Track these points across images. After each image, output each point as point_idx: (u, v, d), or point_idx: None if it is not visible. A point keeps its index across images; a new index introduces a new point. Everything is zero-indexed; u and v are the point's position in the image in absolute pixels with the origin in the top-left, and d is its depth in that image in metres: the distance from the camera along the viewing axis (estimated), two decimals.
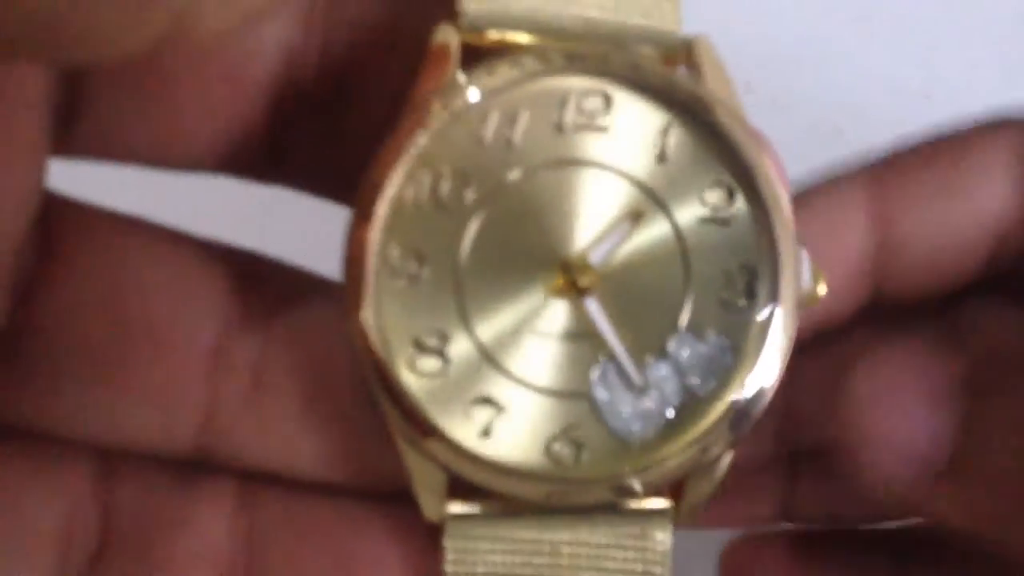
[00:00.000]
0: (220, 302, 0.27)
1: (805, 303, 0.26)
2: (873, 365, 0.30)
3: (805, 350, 0.30)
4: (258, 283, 0.28)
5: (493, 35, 0.26)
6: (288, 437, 0.27)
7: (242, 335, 0.27)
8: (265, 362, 0.27)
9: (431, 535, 0.26)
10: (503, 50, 0.26)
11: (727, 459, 0.26)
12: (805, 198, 0.30)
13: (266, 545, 0.27)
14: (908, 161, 0.31)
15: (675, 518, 0.27)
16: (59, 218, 0.26)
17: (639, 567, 0.26)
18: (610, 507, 0.26)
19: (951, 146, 0.31)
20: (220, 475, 0.28)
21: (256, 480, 0.28)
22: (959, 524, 0.30)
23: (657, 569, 0.26)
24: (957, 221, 0.30)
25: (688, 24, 0.27)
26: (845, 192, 0.31)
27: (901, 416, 0.30)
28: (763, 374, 0.26)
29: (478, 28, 0.26)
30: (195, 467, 0.28)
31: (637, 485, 0.26)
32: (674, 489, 0.27)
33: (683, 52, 0.27)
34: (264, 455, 0.28)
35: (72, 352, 0.26)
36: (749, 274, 0.26)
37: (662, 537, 0.26)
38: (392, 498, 0.27)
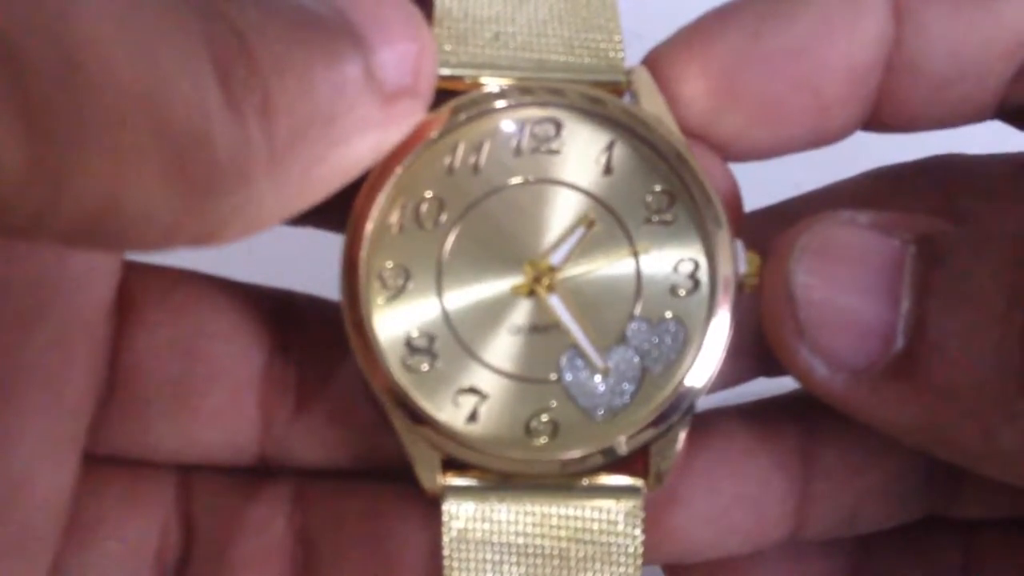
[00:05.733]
0: (264, 335, 0.30)
1: (744, 287, 0.29)
2: (812, 247, 0.27)
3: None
4: (293, 317, 0.31)
5: (461, 79, 0.29)
6: (327, 440, 0.30)
7: (284, 361, 0.30)
8: (303, 381, 0.30)
9: (436, 506, 0.28)
10: (470, 90, 0.29)
11: (684, 430, 0.29)
12: None
13: (316, 538, 0.30)
14: None
15: (644, 488, 0.29)
16: (130, 278, 0.30)
17: (618, 530, 0.28)
18: (590, 484, 0.29)
19: None
20: (278, 480, 0.31)
21: (306, 479, 0.31)
22: (910, 431, 0.27)
23: (634, 531, 0.28)
24: (982, 34, 0.28)
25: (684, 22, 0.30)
26: None
27: (841, 303, 0.27)
28: (710, 351, 0.28)
29: (447, 75, 0.29)
30: (257, 474, 0.31)
31: (612, 452, 0.28)
32: (641, 467, 0.29)
33: (626, 82, 0.29)
34: (310, 455, 0.31)
35: (154, 388, 0.29)
36: (692, 265, 0.29)
37: (635, 505, 0.29)
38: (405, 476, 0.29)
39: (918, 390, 0.26)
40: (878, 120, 0.30)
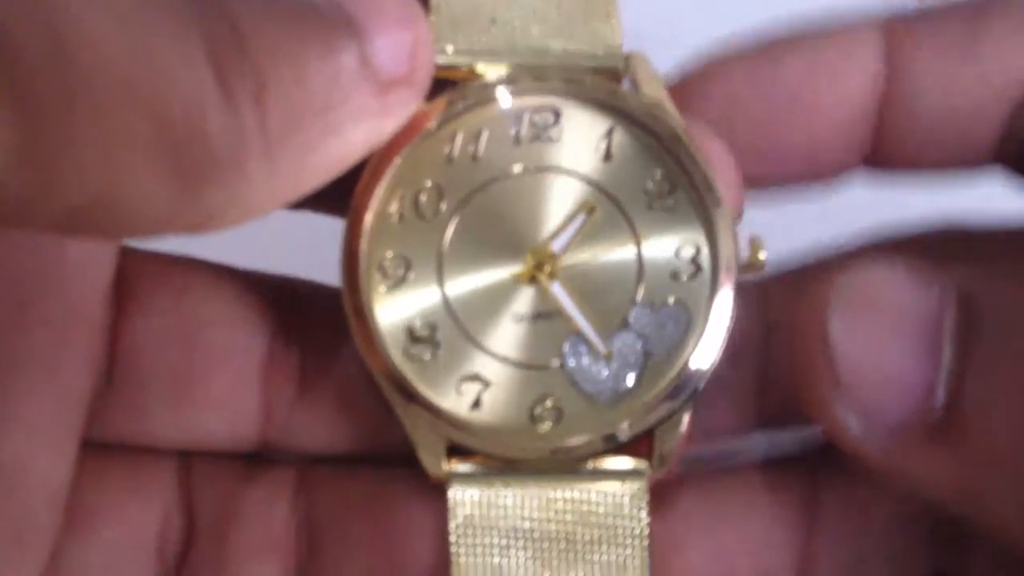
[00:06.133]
0: (265, 321, 0.30)
1: (747, 270, 0.29)
2: (850, 297, 0.26)
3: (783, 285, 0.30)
4: (294, 302, 0.31)
5: (458, 67, 0.29)
6: (330, 426, 0.30)
7: (286, 347, 0.30)
8: (306, 367, 0.30)
9: (441, 492, 0.28)
10: (467, 79, 0.29)
11: (687, 414, 0.28)
12: (819, 34, 0.30)
13: (321, 524, 0.30)
14: (930, 14, 0.29)
15: (648, 472, 0.29)
16: (128, 264, 0.30)
17: (624, 512, 0.28)
18: (594, 468, 0.29)
19: (983, 7, 0.29)
20: (281, 467, 0.31)
21: (309, 466, 0.31)
22: (946, 495, 0.26)
23: (640, 513, 0.28)
24: (970, 77, 0.29)
25: (690, 25, 0.30)
26: (859, 33, 0.30)
27: (880, 355, 0.26)
28: (712, 335, 0.28)
29: (444, 64, 0.28)
30: (258, 461, 0.31)
31: (627, 432, 0.28)
32: (645, 449, 0.29)
33: (624, 67, 0.29)
34: (313, 442, 0.31)
35: (153, 375, 0.29)
36: (694, 250, 0.29)
37: (640, 487, 0.29)
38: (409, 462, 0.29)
39: (957, 451, 0.25)
40: (875, 162, 0.31)
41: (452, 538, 0.28)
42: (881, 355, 0.26)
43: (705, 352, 0.28)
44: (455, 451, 0.28)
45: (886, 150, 0.30)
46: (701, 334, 0.28)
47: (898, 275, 0.26)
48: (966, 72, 0.29)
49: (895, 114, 0.30)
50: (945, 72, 0.29)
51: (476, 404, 0.28)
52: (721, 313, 0.28)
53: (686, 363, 0.28)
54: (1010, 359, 0.25)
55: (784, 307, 0.29)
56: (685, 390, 0.28)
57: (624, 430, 0.28)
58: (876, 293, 0.26)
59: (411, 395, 0.28)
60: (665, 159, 0.29)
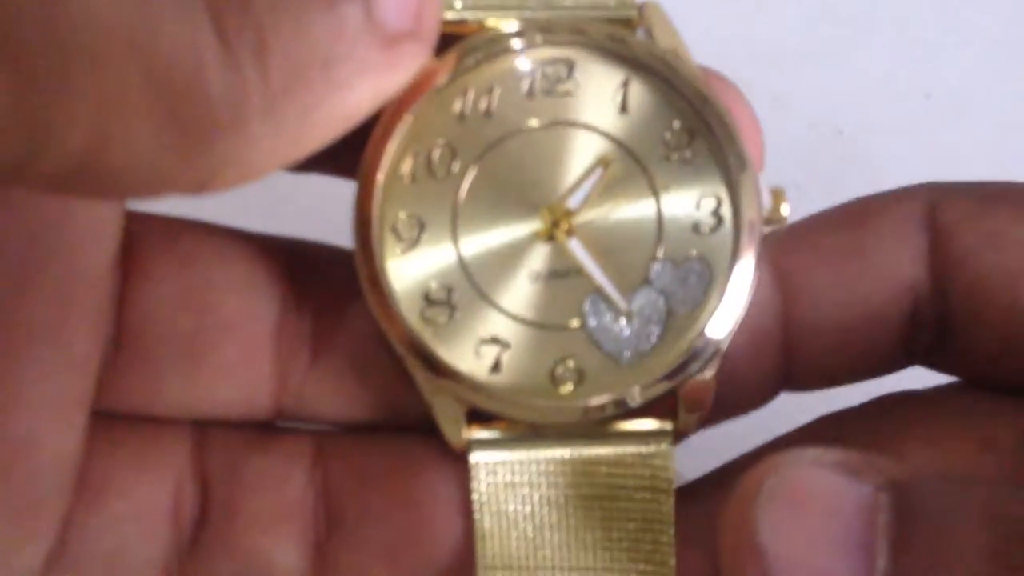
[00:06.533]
0: (276, 286, 0.29)
1: (770, 222, 0.28)
2: (778, 492, 0.24)
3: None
4: (306, 266, 0.30)
5: (467, 22, 0.28)
6: (346, 392, 0.29)
7: (299, 312, 0.29)
8: (319, 332, 0.29)
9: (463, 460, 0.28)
10: (477, 32, 0.28)
11: (712, 372, 0.28)
12: None
13: (339, 495, 0.29)
14: (813, 226, 0.30)
15: (674, 434, 0.28)
16: (135, 229, 0.29)
17: (648, 473, 0.28)
18: (617, 430, 0.28)
19: (859, 211, 0.30)
20: (298, 435, 0.30)
21: (327, 434, 0.30)
22: None
23: (666, 474, 0.28)
24: (864, 286, 0.29)
25: (688, 25, 0.29)
26: None
27: (812, 556, 0.23)
28: (736, 288, 0.27)
29: (452, 19, 0.28)
30: (273, 430, 0.30)
31: (637, 398, 0.27)
32: (670, 411, 0.28)
33: (638, 17, 0.28)
34: (328, 409, 0.30)
35: (163, 343, 0.29)
36: (715, 202, 0.28)
37: (665, 449, 0.28)
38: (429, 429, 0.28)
39: None
40: (793, 381, 0.30)
41: (476, 507, 0.27)
42: (812, 555, 0.24)
43: (725, 317, 0.27)
44: (475, 417, 0.27)
45: (800, 369, 0.30)
46: (722, 295, 0.27)
47: (826, 469, 0.24)
48: (856, 274, 0.29)
49: (799, 332, 0.29)
50: (836, 279, 0.29)
51: (496, 367, 0.27)
52: (743, 274, 0.27)
53: (705, 325, 0.27)
54: (945, 562, 0.23)
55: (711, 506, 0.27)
56: (703, 354, 0.27)
57: (635, 394, 0.27)
58: (804, 490, 0.24)
59: (429, 359, 0.27)
60: (683, 109, 0.28)
